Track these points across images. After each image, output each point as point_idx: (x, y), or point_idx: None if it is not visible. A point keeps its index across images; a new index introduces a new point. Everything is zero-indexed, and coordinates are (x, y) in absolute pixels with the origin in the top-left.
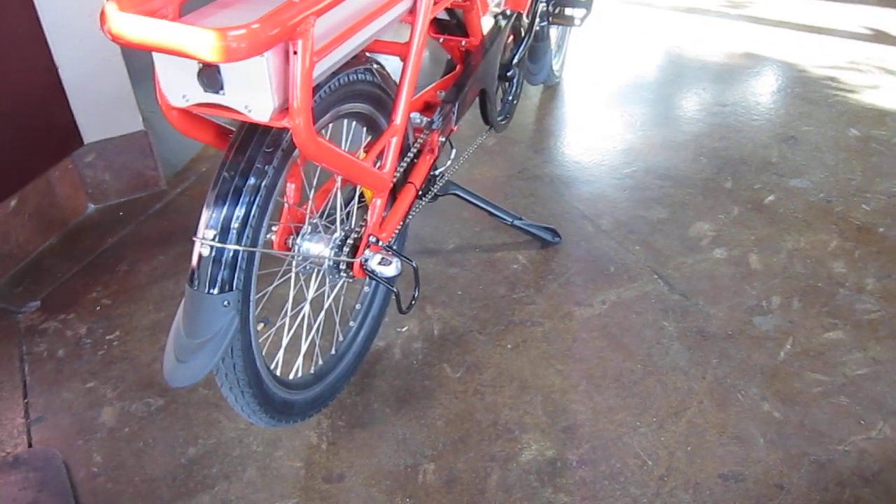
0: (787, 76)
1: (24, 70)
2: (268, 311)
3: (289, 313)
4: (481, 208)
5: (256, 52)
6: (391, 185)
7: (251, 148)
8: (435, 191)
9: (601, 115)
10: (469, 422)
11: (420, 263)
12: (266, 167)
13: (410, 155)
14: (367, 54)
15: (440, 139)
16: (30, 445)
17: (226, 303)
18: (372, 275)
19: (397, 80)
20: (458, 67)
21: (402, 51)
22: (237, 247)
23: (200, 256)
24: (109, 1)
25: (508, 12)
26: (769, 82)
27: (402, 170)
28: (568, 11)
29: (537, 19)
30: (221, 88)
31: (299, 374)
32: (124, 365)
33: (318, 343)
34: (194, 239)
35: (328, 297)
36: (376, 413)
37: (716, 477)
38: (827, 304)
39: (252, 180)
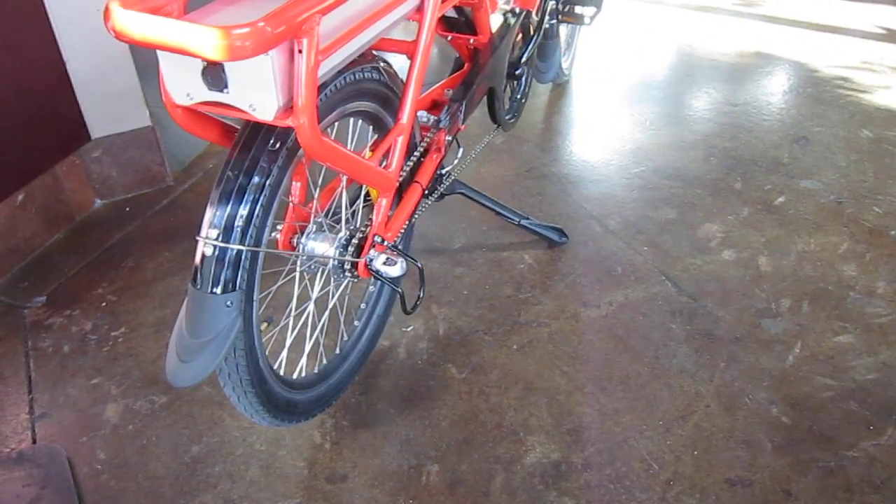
0: (799, 76)
1: (31, 65)
2: (272, 310)
3: (293, 313)
4: (488, 207)
5: (261, 50)
6: (397, 184)
7: (256, 146)
8: (441, 190)
9: (610, 114)
10: (474, 423)
11: (426, 263)
12: (270, 166)
13: (417, 154)
14: (374, 52)
15: (447, 138)
16: (34, 442)
17: (229, 303)
18: (376, 275)
19: (404, 79)
20: (466, 66)
21: (409, 49)
22: (240, 246)
23: (203, 256)
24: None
25: (518, 10)
26: (781, 82)
27: (408, 169)
28: (578, 10)
29: (547, 17)
30: (226, 87)
31: (303, 374)
32: (129, 361)
33: (322, 342)
34: (197, 238)
35: (333, 296)
36: (380, 413)
37: (722, 482)
38: (837, 308)
39: (256, 179)
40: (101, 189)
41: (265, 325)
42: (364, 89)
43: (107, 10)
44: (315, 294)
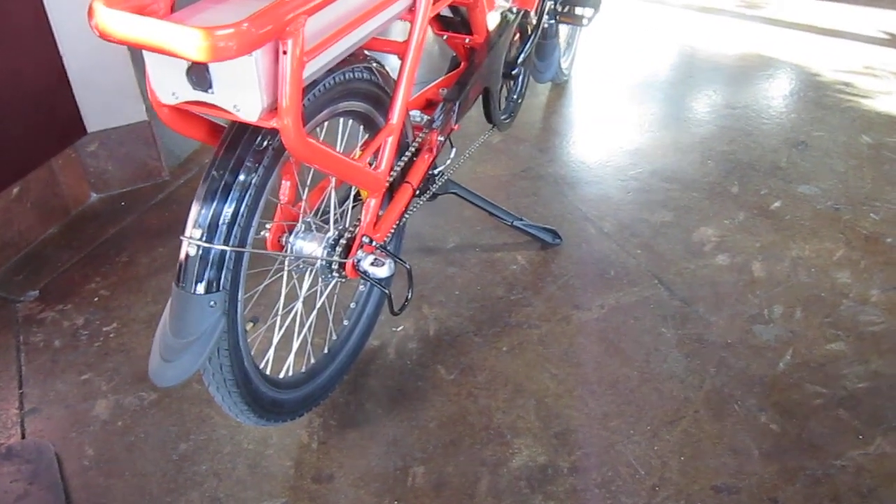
0: (801, 80)
1: (28, 59)
2: (260, 309)
3: (280, 312)
4: (481, 208)
5: (245, 51)
6: (386, 185)
7: (241, 146)
8: (434, 190)
9: (609, 115)
10: (461, 425)
11: (419, 262)
12: (256, 166)
13: (409, 153)
14: (366, 52)
15: (439, 138)
16: (23, 437)
17: (212, 303)
18: (364, 276)
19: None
20: (462, 65)
21: (400, 49)
22: (224, 247)
23: (187, 256)
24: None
25: (515, 10)
26: (782, 85)
27: (399, 168)
28: (576, 10)
29: (545, 17)
30: (210, 87)
31: (290, 373)
32: (120, 357)
33: (310, 341)
34: (182, 238)
35: (321, 295)
36: (368, 413)
37: (708, 489)
38: (830, 315)
39: (241, 179)
40: (97, 183)
41: (251, 324)
42: (355, 89)
43: (91, 8)
44: (303, 293)
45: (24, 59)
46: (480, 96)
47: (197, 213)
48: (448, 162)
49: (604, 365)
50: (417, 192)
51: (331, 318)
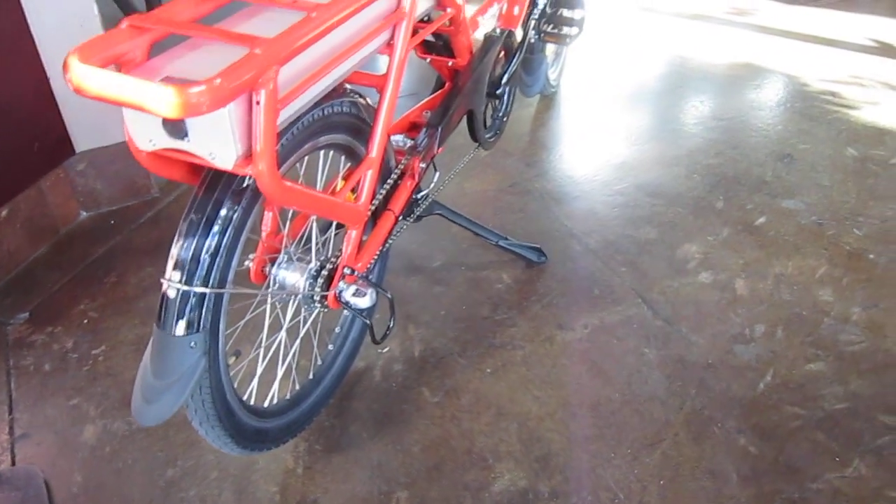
0: (789, 90)
1: (15, 80)
2: (243, 338)
3: (263, 343)
4: (466, 228)
5: (217, 106)
6: (367, 216)
7: (219, 189)
8: (418, 212)
9: (597, 128)
10: (444, 448)
11: (405, 280)
12: (235, 207)
13: (391, 180)
14: (347, 86)
15: (421, 164)
16: (13, 463)
17: (193, 344)
18: (346, 306)
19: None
20: (446, 85)
21: (378, 83)
22: (204, 289)
23: (167, 298)
24: (73, 50)
25: (499, 31)
26: (770, 96)
27: (381, 196)
28: (561, 30)
29: (530, 34)
30: (186, 135)
31: (275, 401)
32: (108, 381)
33: (294, 368)
34: (161, 280)
35: (305, 324)
36: (353, 437)
37: None
38: (811, 334)
39: (220, 221)
40: (86, 201)
41: (233, 358)
42: (335, 123)
43: (65, 62)
44: (286, 323)
45: (10, 82)
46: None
47: (176, 255)
48: (432, 185)
49: (586, 386)
50: (400, 218)
51: (315, 344)
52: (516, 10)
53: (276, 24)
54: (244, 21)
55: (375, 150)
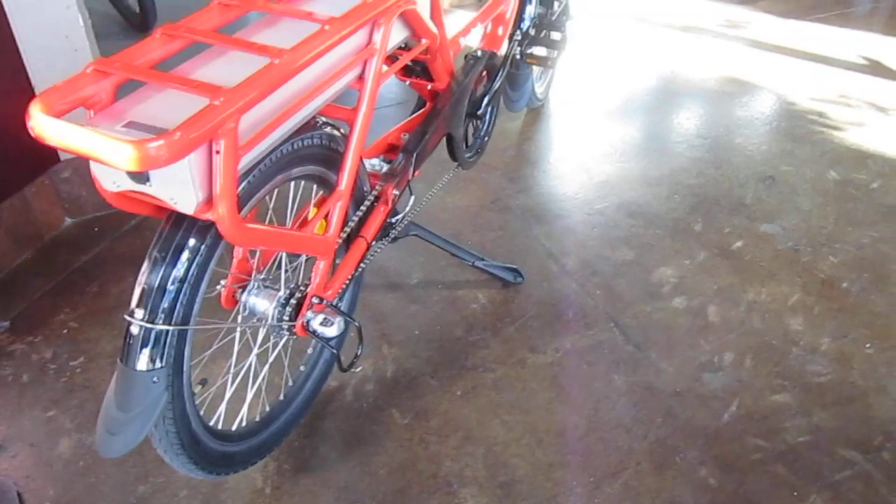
0: (775, 108)
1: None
2: (214, 359)
3: (232, 369)
4: (443, 249)
5: (176, 159)
6: (336, 247)
7: (184, 227)
8: (393, 235)
9: (581, 143)
10: (411, 472)
11: (382, 298)
12: (199, 245)
13: (364, 207)
14: (319, 118)
15: (395, 192)
16: None
17: (155, 379)
18: (314, 335)
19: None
20: (427, 105)
21: (349, 116)
22: (166, 326)
23: (130, 334)
24: (37, 98)
25: (480, 53)
26: (756, 114)
27: (354, 221)
28: (543, 52)
29: (514, 52)
30: (148, 180)
31: (244, 424)
32: (85, 394)
33: (264, 390)
34: (125, 317)
35: (275, 349)
36: (322, 458)
37: None
38: (779, 364)
39: (184, 259)
40: (71, 208)
41: (199, 387)
42: (306, 155)
43: (28, 112)
44: (256, 349)
45: None
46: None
47: (139, 292)
48: (407, 208)
49: (553, 412)
50: (373, 243)
51: (286, 365)
52: (500, 31)
53: (243, 66)
54: (210, 63)
55: (345, 182)
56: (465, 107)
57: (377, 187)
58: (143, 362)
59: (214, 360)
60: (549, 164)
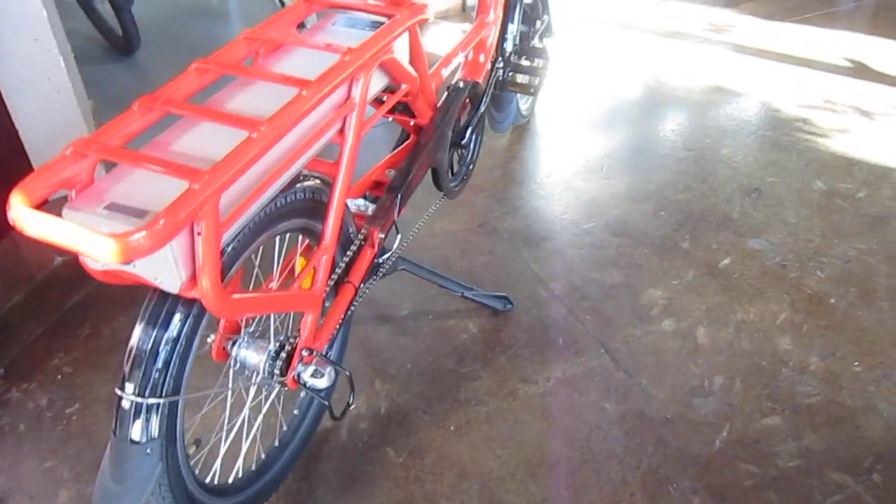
0: (760, 115)
1: None
2: (208, 415)
3: (226, 425)
4: (432, 282)
5: (158, 248)
6: (323, 299)
7: (170, 300)
8: (382, 273)
9: (567, 160)
10: None
11: (373, 331)
12: (185, 317)
13: (351, 251)
14: (302, 171)
15: (381, 235)
16: None
17: (149, 451)
18: (304, 387)
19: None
20: (410, 138)
21: (330, 171)
22: (157, 399)
23: (122, 408)
24: (18, 187)
25: (462, 84)
26: (741, 123)
27: (341, 267)
28: (525, 80)
29: (496, 78)
30: (132, 262)
31: (240, 475)
32: (81, 442)
33: (259, 439)
34: (115, 391)
35: (268, 400)
36: (319, 500)
37: None
38: (768, 386)
39: (171, 332)
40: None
41: (193, 447)
42: (290, 210)
43: (9, 201)
44: (249, 403)
45: None
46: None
47: (128, 367)
48: (395, 246)
49: (546, 444)
50: (361, 286)
51: (280, 410)
52: (482, 58)
53: (221, 136)
54: (189, 132)
55: (330, 236)
56: (449, 138)
57: (363, 230)
58: (135, 435)
59: (207, 416)
60: (536, 184)
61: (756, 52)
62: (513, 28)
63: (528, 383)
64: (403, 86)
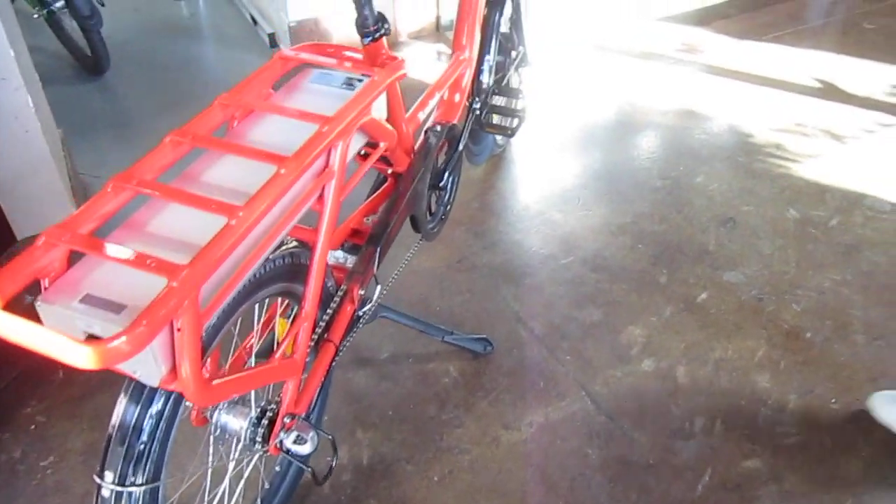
0: (733, 141)
1: None
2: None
3: (206, 496)
4: (413, 328)
5: (137, 352)
6: (304, 365)
7: (149, 388)
8: (362, 324)
9: (544, 190)
10: None
11: (353, 375)
12: (165, 405)
13: (331, 309)
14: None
15: (360, 292)
16: None
17: None
18: (287, 454)
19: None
20: (387, 182)
21: (310, 238)
22: (136, 488)
23: (101, 497)
24: None
25: (440, 128)
26: (715, 149)
27: (321, 326)
28: (503, 121)
29: (472, 117)
30: None
31: None
32: (57, 499)
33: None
34: (94, 478)
35: (250, 465)
36: None
37: None
38: (748, 427)
39: (150, 419)
40: (32, 288)
41: None
42: (268, 279)
43: None
44: (231, 471)
45: None
46: None
47: (108, 455)
48: (375, 298)
49: (530, 493)
50: (341, 344)
51: (262, 469)
52: (457, 98)
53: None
54: (164, 210)
55: (309, 305)
56: (428, 183)
57: (343, 286)
58: None
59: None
60: (514, 216)
61: (729, 73)
62: (489, 62)
63: (511, 429)
64: (382, 144)
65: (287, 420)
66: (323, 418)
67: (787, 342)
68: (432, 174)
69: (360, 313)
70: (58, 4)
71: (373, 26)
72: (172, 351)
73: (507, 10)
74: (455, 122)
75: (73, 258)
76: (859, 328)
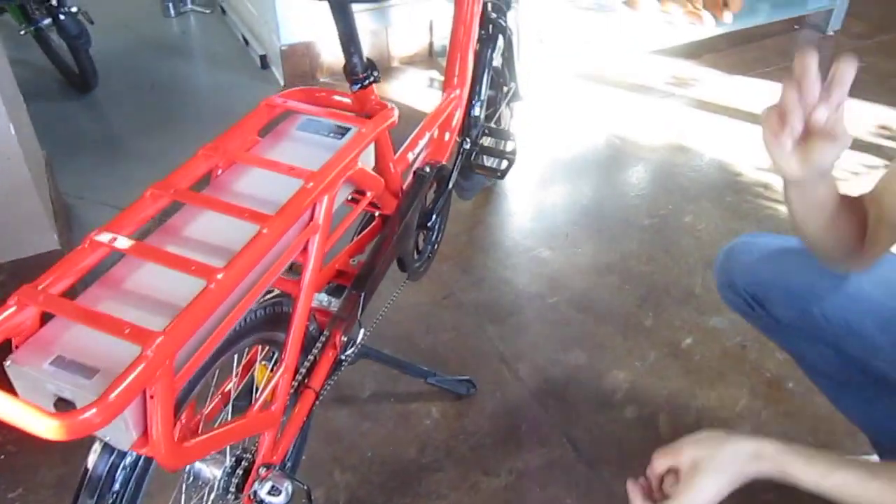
0: (721, 179)
1: None
2: None
3: None
4: (395, 368)
5: (108, 422)
6: (282, 415)
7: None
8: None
9: (532, 225)
10: None
11: (334, 414)
12: (136, 463)
13: (311, 356)
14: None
15: (343, 338)
16: None
17: None
18: None
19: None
20: (375, 221)
21: (293, 289)
22: None
23: None
24: None
25: (429, 169)
26: (702, 187)
27: (301, 372)
28: (493, 163)
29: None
30: None
31: None
32: None
33: None
34: None
35: None
36: None
37: None
38: None
39: (123, 469)
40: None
41: None
42: (248, 329)
43: None
44: None
45: None
46: None
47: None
48: (358, 341)
49: None
50: (321, 391)
51: None
52: (447, 137)
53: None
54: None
55: (289, 357)
56: (415, 225)
57: (326, 331)
58: None
59: None
60: (502, 252)
61: (718, 108)
62: (480, 99)
63: (491, 476)
64: (368, 193)
65: (262, 470)
66: (300, 459)
67: (769, 392)
68: (420, 214)
69: (343, 357)
70: (45, 22)
71: (362, 74)
72: (144, 416)
73: (500, 45)
74: (444, 161)
75: (47, 316)
76: None
